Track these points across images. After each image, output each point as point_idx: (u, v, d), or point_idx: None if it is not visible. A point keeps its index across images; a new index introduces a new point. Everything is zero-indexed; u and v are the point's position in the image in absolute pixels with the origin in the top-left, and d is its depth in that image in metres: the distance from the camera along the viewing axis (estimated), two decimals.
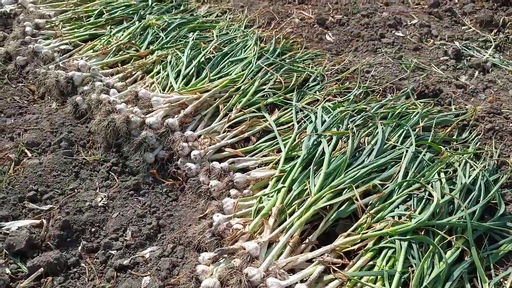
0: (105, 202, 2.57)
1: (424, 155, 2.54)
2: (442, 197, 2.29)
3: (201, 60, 3.43)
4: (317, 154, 2.53)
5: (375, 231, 2.15)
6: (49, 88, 3.42)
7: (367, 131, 2.74)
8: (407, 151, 2.53)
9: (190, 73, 3.34)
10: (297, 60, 3.55)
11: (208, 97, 3.04)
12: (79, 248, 2.36)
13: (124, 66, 3.52)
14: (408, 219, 2.19)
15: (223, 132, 2.90)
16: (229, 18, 4.19)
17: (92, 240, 2.41)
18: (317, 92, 3.19)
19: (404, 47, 3.73)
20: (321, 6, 4.37)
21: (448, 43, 3.77)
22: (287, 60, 3.54)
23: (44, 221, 2.45)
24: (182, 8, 4.46)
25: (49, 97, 3.48)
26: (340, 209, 2.28)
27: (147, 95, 3.00)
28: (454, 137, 2.85)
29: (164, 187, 2.72)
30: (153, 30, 3.91)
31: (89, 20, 4.19)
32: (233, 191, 2.52)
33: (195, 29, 4.03)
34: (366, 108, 2.95)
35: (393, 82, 3.25)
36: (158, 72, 3.41)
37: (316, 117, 2.83)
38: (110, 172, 2.77)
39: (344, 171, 2.42)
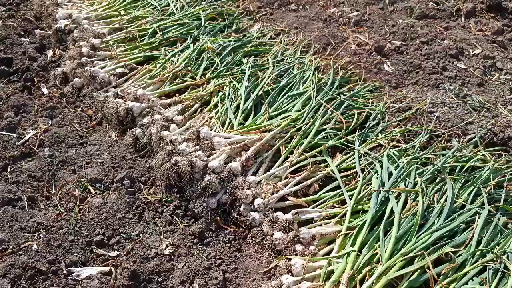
0: (171, 250, 2.60)
1: (498, 218, 2.47)
2: None
3: (259, 94, 3.40)
4: (386, 214, 2.49)
5: None
6: (108, 117, 3.45)
7: (435, 187, 2.67)
8: (479, 213, 2.46)
9: (249, 107, 3.31)
10: (356, 94, 3.47)
11: (269, 138, 3.02)
12: None
13: (181, 96, 3.51)
14: None
15: (285, 178, 2.88)
16: (284, 41, 4.12)
17: None
18: (379, 134, 3.12)
19: (467, 82, 3.60)
20: (378, 28, 4.24)
21: None
22: (346, 94, 3.46)
23: (113, 269, 2.50)
24: (234, 27, 4.40)
25: (107, 124, 3.51)
26: (411, 278, 2.24)
27: (208, 135, 3.00)
28: None
29: (227, 234, 2.73)
30: (208, 55, 3.88)
31: (143, 40, 4.18)
32: (298, 247, 2.51)
33: (249, 54, 3.98)
34: (432, 157, 2.87)
35: (458, 125, 3.15)
36: (216, 105, 3.39)
37: (381, 167, 2.77)
38: (173, 216, 2.80)
39: (415, 235, 2.38)
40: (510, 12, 4.41)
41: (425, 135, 3.04)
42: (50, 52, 4.27)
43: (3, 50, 4.38)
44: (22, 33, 4.66)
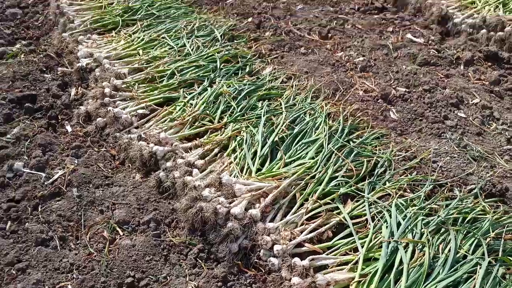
0: None
1: (497, 269, 2.71)
2: None
3: (274, 140, 3.64)
4: (395, 263, 2.72)
5: None
6: (132, 158, 3.67)
7: (440, 237, 2.91)
8: (480, 264, 2.71)
9: (265, 153, 3.55)
10: (365, 141, 3.73)
11: (286, 186, 3.25)
12: None
13: (201, 140, 3.74)
14: None
15: (301, 224, 3.11)
16: (295, 85, 4.38)
17: None
18: (387, 182, 3.37)
19: (467, 131, 3.87)
20: (383, 74, 4.52)
21: (510, 128, 3.90)
22: (356, 141, 3.72)
23: None
24: (247, 69, 4.66)
25: (130, 165, 3.73)
26: None
27: (229, 181, 3.22)
28: None
29: (248, 278, 2.94)
30: (225, 99, 4.13)
31: (162, 81, 4.42)
32: None
33: (263, 97, 4.24)
34: (436, 207, 3.12)
35: (460, 176, 3.41)
36: (234, 150, 3.62)
37: (390, 216, 3.02)
38: (198, 259, 3.01)
39: (422, 284, 2.61)
40: (505, 62, 4.71)
41: (430, 186, 3.29)
42: (73, 91, 4.50)
43: (27, 86, 4.61)
44: (44, 69, 4.90)
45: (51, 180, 3.52)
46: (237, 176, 3.36)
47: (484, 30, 4.99)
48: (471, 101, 4.17)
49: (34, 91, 4.51)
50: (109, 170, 3.70)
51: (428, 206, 3.13)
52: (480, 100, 4.16)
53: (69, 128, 4.14)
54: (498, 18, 4.96)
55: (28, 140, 3.90)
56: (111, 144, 3.94)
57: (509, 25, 4.94)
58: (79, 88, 4.54)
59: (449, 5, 5.42)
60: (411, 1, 5.60)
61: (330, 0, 5.89)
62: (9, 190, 3.46)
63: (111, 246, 3.07)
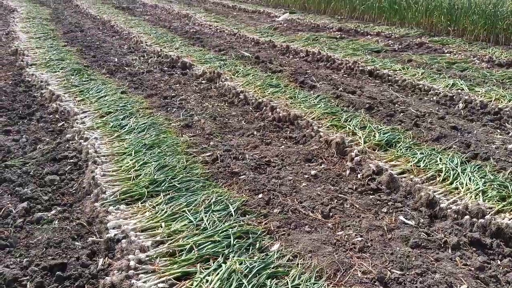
0: None
1: None
2: None
3: None
4: None
5: None
6: None
7: None
8: None
9: None
10: None
11: None
12: None
13: None
14: None
15: None
16: (300, 264, 4.88)
17: None
18: None
19: None
20: (379, 255, 5.03)
21: None
22: None
23: None
24: (257, 245, 5.22)
25: None
26: None
27: None
28: None
29: None
30: (237, 276, 4.60)
31: (181, 255, 4.95)
32: None
33: (272, 275, 4.71)
34: None
35: None
36: None
37: None
38: None
39: None
40: (488, 247, 5.27)
41: None
42: (100, 261, 5.00)
43: (59, 254, 5.14)
44: (76, 237, 5.47)
45: None
46: None
47: (467, 216, 5.64)
48: (459, 287, 4.62)
49: (65, 259, 5.02)
50: None
51: None
52: (468, 287, 4.60)
53: None
54: (479, 207, 5.65)
55: None
56: None
57: (489, 213, 5.61)
58: (106, 258, 5.05)
59: (435, 190, 6.18)
60: (402, 184, 6.38)
61: (331, 179, 6.70)
62: None
63: None
